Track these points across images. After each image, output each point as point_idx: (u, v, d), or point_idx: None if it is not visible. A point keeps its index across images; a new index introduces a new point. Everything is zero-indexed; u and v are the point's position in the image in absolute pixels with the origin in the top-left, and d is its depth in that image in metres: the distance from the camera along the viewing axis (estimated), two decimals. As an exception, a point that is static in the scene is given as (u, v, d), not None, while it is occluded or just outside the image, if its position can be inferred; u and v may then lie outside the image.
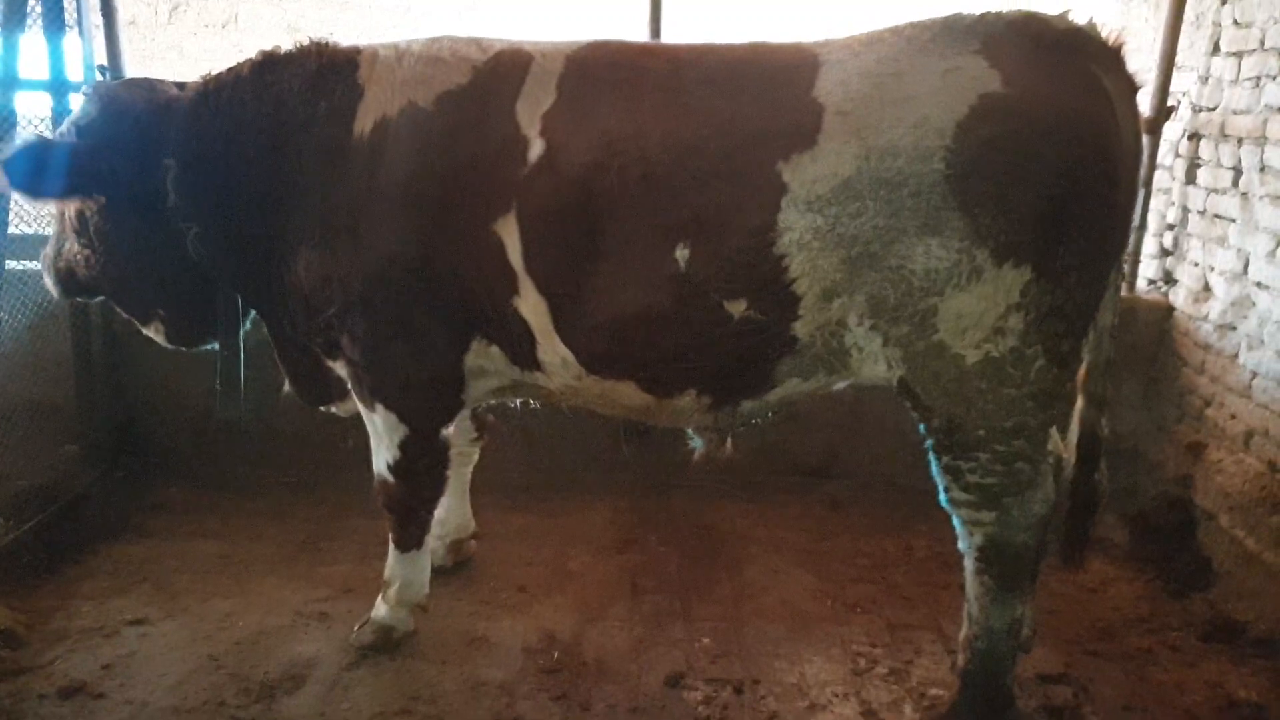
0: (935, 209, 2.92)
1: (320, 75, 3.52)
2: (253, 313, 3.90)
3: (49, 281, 3.99)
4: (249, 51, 3.74)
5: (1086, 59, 3.03)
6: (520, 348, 3.47)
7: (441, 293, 3.43)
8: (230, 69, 3.67)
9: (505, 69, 3.37)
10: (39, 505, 4.57)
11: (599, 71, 3.30)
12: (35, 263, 4.27)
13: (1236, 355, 4.58)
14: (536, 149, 3.23)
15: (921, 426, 3.24)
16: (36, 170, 3.39)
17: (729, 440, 3.63)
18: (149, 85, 3.78)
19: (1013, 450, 3.13)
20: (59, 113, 4.78)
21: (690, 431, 3.67)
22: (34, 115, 4.82)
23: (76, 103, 4.79)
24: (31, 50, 4.67)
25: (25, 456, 4.71)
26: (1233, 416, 4.59)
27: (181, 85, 3.79)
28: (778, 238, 3.04)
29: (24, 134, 4.67)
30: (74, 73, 4.86)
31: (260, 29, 8.58)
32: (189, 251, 3.61)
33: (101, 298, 4.11)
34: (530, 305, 3.34)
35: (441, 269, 3.39)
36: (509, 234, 3.27)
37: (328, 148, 3.45)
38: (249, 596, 4.25)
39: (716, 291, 3.13)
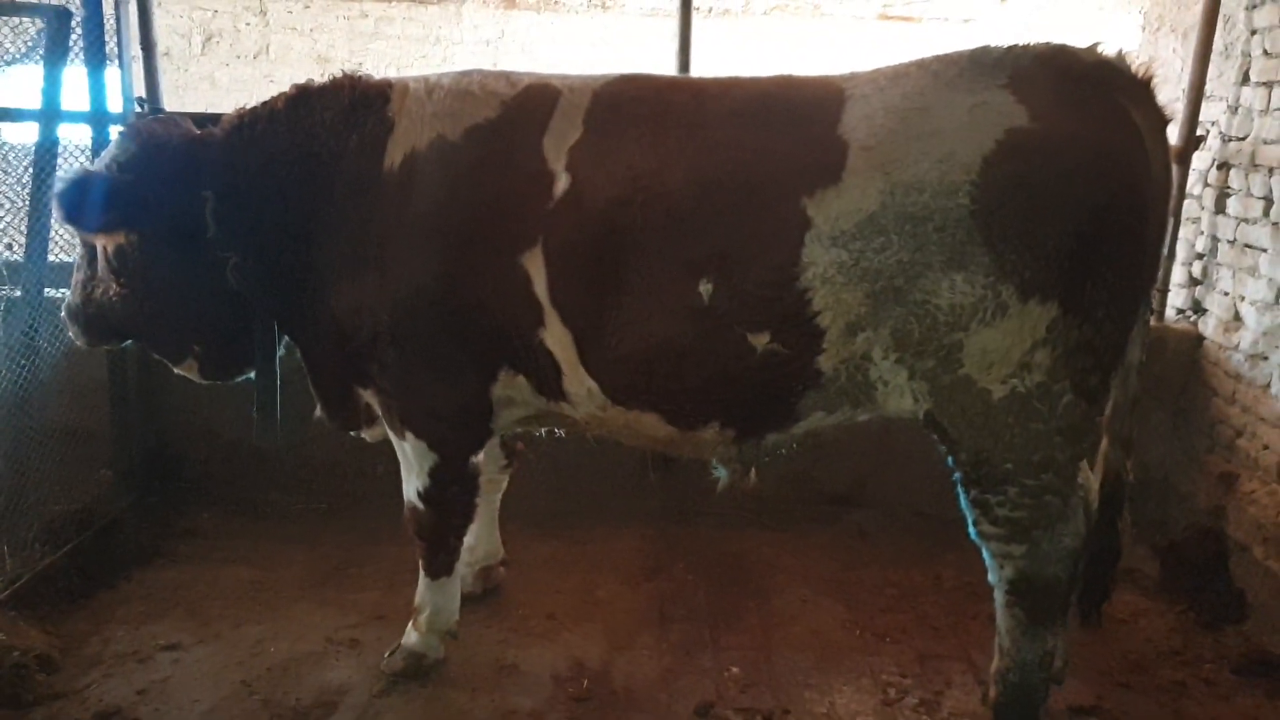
0: (960, 244, 2.94)
1: (352, 108, 3.59)
2: (285, 339, 3.96)
3: (75, 330, 4.01)
4: (280, 81, 3.81)
5: (1115, 92, 3.04)
6: (546, 378, 3.50)
7: (469, 324, 3.47)
8: (264, 102, 3.75)
9: (533, 103, 3.42)
10: (74, 530, 4.63)
11: (625, 106, 3.34)
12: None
13: (1269, 385, 4.54)
14: (562, 183, 3.27)
15: (950, 460, 3.24)
16: (86, 203, 3.47)
17: (753, 471, 3.63)
18: (178, 121, 3.89)
19: (1041, 484, 3.13)
20: (99, 143, 4.87)
21: (714, 462, 3.68)
22: (75, 146, 4.91)
23: (115, 134, 4.89)
24: (73, 83, 4.78)
25: (61, 482, 4.77)
26: (1265, 447, 4.54)
27: (203, 121, 3.88)
28: (801, 272, 3.05)
29: (66, 164, 4.78)
30: (114, 104, 4.96)
31: (291, 59, 8.70)
32: (227, 282, 3.67)
33: (127, 343, 4.19)
34: (556, 337, 3.38)
35: (469, 301, 3.43)
36: (535, 267, 3.31)
37: (358, 180, 3.51)
38: (280, 622, 4.28)
39: (740, 325, 3.15)
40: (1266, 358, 4.58)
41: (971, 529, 3.29)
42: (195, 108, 5.80)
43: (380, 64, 8.52)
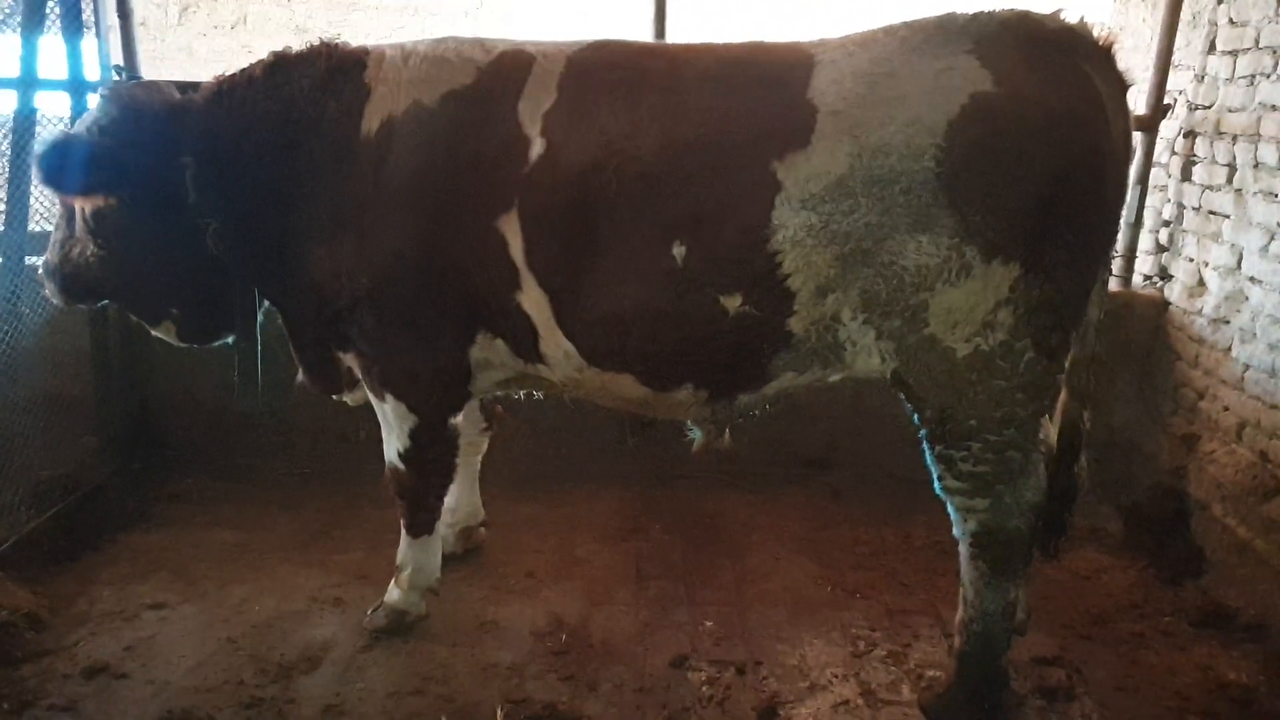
0: (926, 206, 3.00)
1: (329, 75, 3.62)
2: (265, 304, 4.00)
3: (52, 288, 4.01)
4: (258, 52, 3.85)
5: (1078, 58, 3.10)
6: (523, 341, 3.57)
7: (446, 287, 3.53)
8: (243, 70, 3.78)
9: (508, 69, 3.47)
10: (59, 495, 4.70)
11: (599, 72, 3.39)
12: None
13: (1229, 349, 4.66)
14: (538, 148, 3.33)
15: (915, 417, 3.33)
16: (66, 166, 3.49)
17: (726, 431, 3.71)
18: (160, 86, 3.91)
19: (1004, 439, 3.21)
20: (77, 111, 4.88)
21: (689, 423, 3.76)
22: (53, 114, 4.93)
23: (93, 103, 4.91)
24: (50, 51, 4.79)
25: (46, 448, 4.82)
26: (1225, 408, 4.67)
27: (183, 88, 3.90)
28: (772, 235, 3.12)
29: (45, 132, 4.80)
30: (91, 72, 4.97)
31: (269, 30, 8.66)
32: (207, 247, 3.71)
33: (104, 303, 4.22)
34: (533, 300, 3.44)
35: (446, 265, 3.49)
36: (511, 231, 3.37)
37: (336, 146, 3.56)
38: (265, 583, 4.36)
39: (712, 287, 3.22)
40: (1228, 322, 4.69)
41: (936, 484, 3.37)
42: (173, 78, 5.81)
43: (358, 34, 8.46)
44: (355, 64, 3.64)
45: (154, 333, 4.12)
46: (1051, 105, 3.00)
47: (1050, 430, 3.56)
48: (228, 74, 3.81)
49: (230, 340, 4.08)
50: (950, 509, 3.40)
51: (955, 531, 3.43)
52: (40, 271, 4.08)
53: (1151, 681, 3.79)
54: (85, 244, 3.87)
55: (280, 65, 3.72)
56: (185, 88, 3.95)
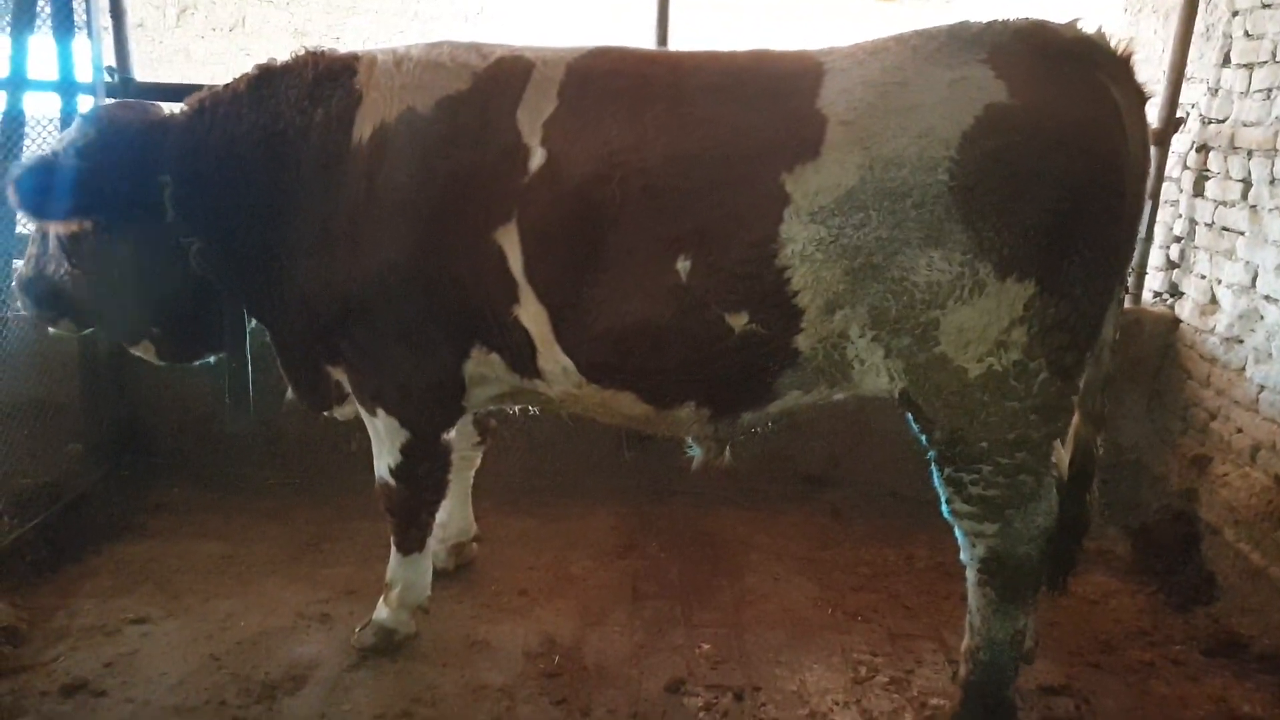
0: (939, 221, 2.90)
1: (317, 83, 3.52)
2: (253, 321, 3.90)
3: (25, 303, 3.91)
4: (256, 55, 3.76)
5: (1095, 69, 3.00)
6: (521, 356, 3.47)
7: (441, 300, 3.42)
8: (227, 85, 3.68)
9: (506, 75, 3.37)
10: (43, 504, 4.59)
11: (601, 79, 3.29)
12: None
13: (1243, 368, 4.56)
14: (537, 158, 3.22)
15: (924, 438, 3.22)
16: (43, 190, 3.41)
17: (727, 449, 3.62)
18: (140, 105, 3.83)
19: (1015, 463, 3.11)
20: (67, 113, 4.80)
21: (689, 440, 3.66)
22: (43, 116, 4.84)
23: (84, 104, 4.83)
24: (40, 51, 4.70)
25: (30, 455, 4.73)
26: (1239, 430, 4.57)
27: (178, 93, 3.81)
28: (780, 249, 3.02)
29: (32, 136, 4.71)
30: (82, 74, 4.88)
31: (267, 33, 8.59)
32: (191, 267, 3.61)
33: (77, 323, 4.01)
34: (531, 314, 3.34)
35: (441, 277, 3.39)
36: (510, 243, 3.27)
37: (326, 154, 3.45)
38: (251, 597, 4.26)
39: (718, 304, 3.11)
40: (1241, 341, 4.60)
41: (944, 507, 3.27)
42: (170, 80, 5.73)
43: (357, 39, 8.47)
44: (345, 70, 3.53)
45: (133, 351, 4.03)
46: (1068, 117, 2.90)
47: (1062, 455, 3.46)
48: (210, 89, 3.72)
49: (211, 360, 4.00)
50: (958, 533, 3.30)
51: (963, 556, 3.33)
52: (15, 285, 3.97)
53: (1162, 713, 3.68)
54: (60, 264, 3.76)
55: (265, 77, 3.61)
56: (184, 91, 3.85)
